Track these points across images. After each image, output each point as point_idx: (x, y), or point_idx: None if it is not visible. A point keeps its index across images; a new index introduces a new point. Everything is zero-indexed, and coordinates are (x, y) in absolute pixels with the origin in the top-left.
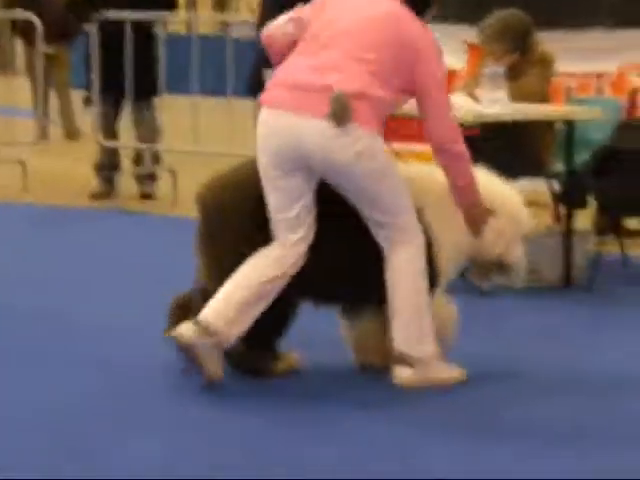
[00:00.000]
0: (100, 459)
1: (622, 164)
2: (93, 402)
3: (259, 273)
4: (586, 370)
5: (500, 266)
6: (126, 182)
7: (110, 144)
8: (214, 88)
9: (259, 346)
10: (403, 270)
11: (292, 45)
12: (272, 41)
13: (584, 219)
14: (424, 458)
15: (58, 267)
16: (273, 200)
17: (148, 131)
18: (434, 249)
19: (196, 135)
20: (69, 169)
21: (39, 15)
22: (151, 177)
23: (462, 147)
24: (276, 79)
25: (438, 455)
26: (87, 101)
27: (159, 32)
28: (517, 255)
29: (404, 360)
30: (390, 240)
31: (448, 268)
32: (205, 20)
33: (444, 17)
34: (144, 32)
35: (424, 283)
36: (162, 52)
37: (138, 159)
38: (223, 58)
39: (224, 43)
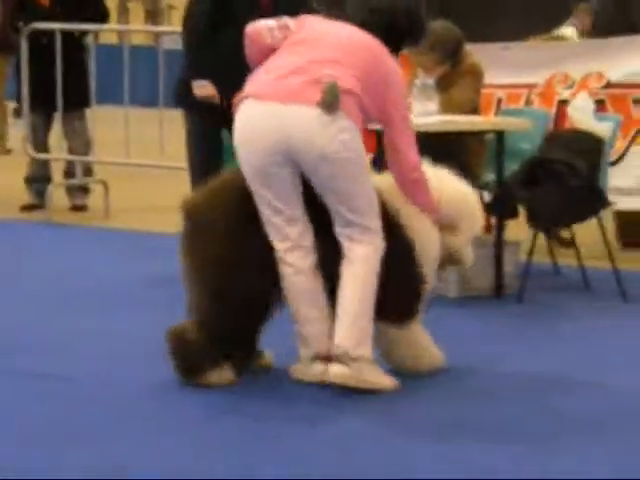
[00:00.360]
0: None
1: (550, 174)
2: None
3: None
4: (515, 376)
5: (452, 260)
6: (57, 194)
7: (41, 156)
8: (146, 99)
9: (220, 345)
10: (358, 267)
11: (270, 52)
12: (257, 39)
13: (514, 229)
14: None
15: None
16: (265, 196)
17: (79, 143)
18: (416, 256)
19: (127, 147)
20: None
21: None
22: (83, 189)
23: (424, 175)
24: (260, 74)
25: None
26: (17, 113)
27: (89, 43)
28: (469, 250)
29: (341, 358)
30: (351, 239)
31: (432, 273)
32: (137, 31)
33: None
34: (75, 43)
35: (375, 285)
36: (93, 63)
37: (69, 171)
38: (155, 69)
39: (156, 54)
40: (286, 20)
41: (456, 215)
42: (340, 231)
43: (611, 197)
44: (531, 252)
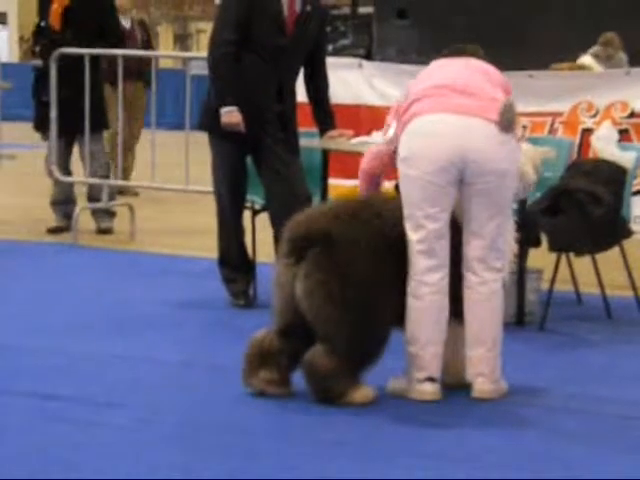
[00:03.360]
0: None
1: (572, 203)
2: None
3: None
4: (535, 404)
5: None
6: (83, 217)
7: (67, 179)
8: (172, 123)
9: (349, 371)
10: (497, 300)
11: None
12: (376, 164)
13: (537, 257)
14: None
15: (12, 301)
16: (423, 210)
17: (98, 165)
18: None
19: (153, 170)
20: (26, 204)
21: None
22: (109, 212)
23: None
24: (426, 91)
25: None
26: (44, 136)
27: (120, 67)
28: None
29: (488, 382)
30: (488, 265)
31: None
32: (165, 56)
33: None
34: (93, 67)
35: None
36: (120, 87)
37: (92, 194)
38: (182, 93)
39: (184, 78)
40: (386, 131)
41: None
42: (479, 255)
43: (634, 226)
44: (553, 280)
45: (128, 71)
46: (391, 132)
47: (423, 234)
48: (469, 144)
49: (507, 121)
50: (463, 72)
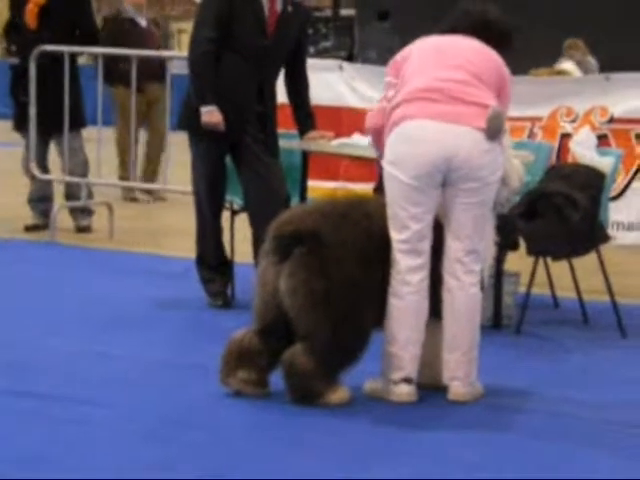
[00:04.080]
0: None
1: (550, 207)
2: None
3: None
4: (510, 407)
5: None
6: (61, 215)
7: (46, 177)
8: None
9: (327, 372)
10: (474, 302)
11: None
12: (380, 119)
13: (514, 261)
14: None
15: None
16: (407, 211)
17: (76, 163)
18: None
19: (134, 169)
20: (3, 202)
21: None
22: (86, 211)
23: None
24: (416, 94)
25: None
26: (23, 135)
27: (99, 65)
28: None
29: (463, 384)
30: (466, 268)
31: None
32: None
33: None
34: (70, 64)
35: None
36: (100, 85)
37: (69, 192)
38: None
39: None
40: (387, 79)
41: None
42: (458, 257)
43: (612, 232)
44: (530, 284)
45: (149, 73)
46: (391, 92)
47: (407, 234)
48: (454, 150)
49: (494, 129)
50: (457, 71)
